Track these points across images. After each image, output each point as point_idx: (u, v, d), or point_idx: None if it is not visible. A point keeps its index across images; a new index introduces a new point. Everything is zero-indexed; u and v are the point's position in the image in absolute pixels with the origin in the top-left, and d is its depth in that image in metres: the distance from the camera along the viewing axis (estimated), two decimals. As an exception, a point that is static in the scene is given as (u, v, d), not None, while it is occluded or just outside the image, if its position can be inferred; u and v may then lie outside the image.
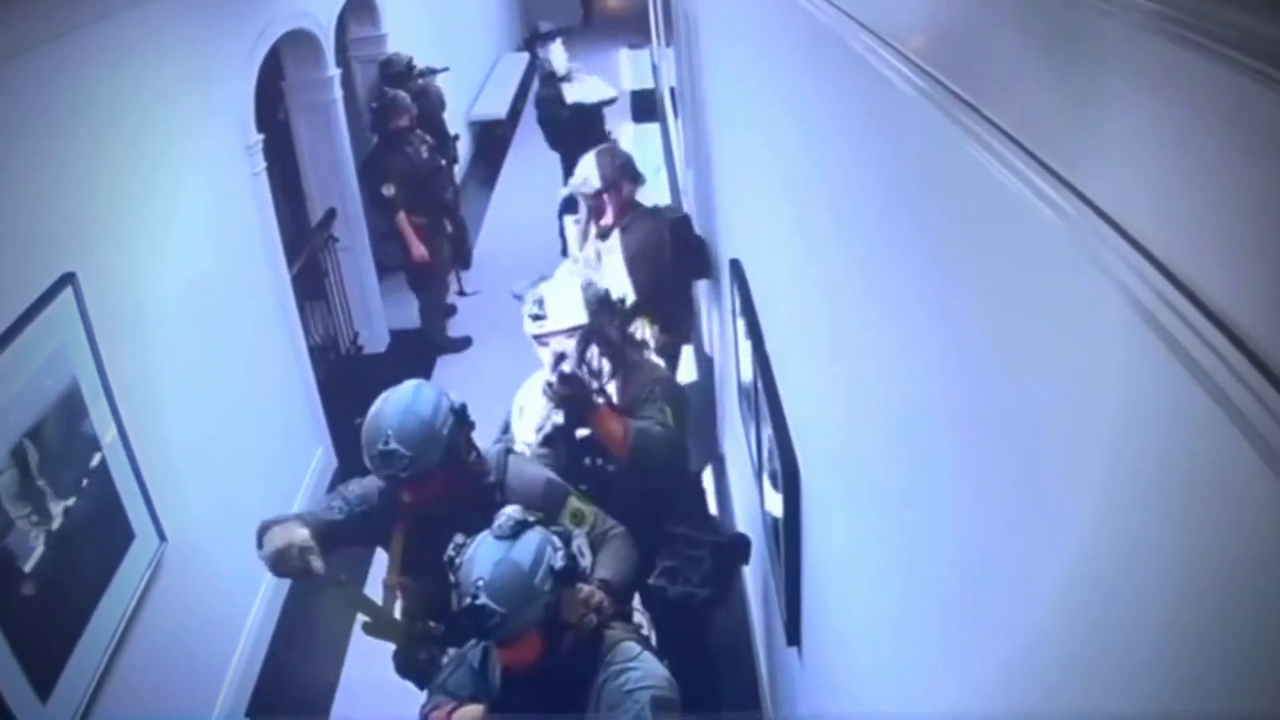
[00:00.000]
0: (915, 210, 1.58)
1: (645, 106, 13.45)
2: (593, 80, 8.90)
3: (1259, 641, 0.73)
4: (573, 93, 8.72)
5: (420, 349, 8.10)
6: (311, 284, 7.28)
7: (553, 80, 8.85)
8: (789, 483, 2.91)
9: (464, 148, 11.07)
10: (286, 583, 5.68)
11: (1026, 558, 1.22)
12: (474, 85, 13.32)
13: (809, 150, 2.51)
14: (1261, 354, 0.70)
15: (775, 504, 3.16)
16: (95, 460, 3.91)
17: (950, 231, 1.40)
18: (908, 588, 1.82)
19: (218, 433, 5.04)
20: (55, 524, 3.62)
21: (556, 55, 8.98)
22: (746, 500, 4.61)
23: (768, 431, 3.23)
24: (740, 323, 3.87)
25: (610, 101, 8.88)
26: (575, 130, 8.69)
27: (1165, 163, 0.83)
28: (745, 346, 3.77)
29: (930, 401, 1.59)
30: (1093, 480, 1.02)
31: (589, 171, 5.20)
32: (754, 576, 4.88)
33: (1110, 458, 0.97)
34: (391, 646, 3.61)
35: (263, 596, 5.39)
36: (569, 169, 8.95)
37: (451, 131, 9.26)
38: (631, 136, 12.74)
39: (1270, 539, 0.69)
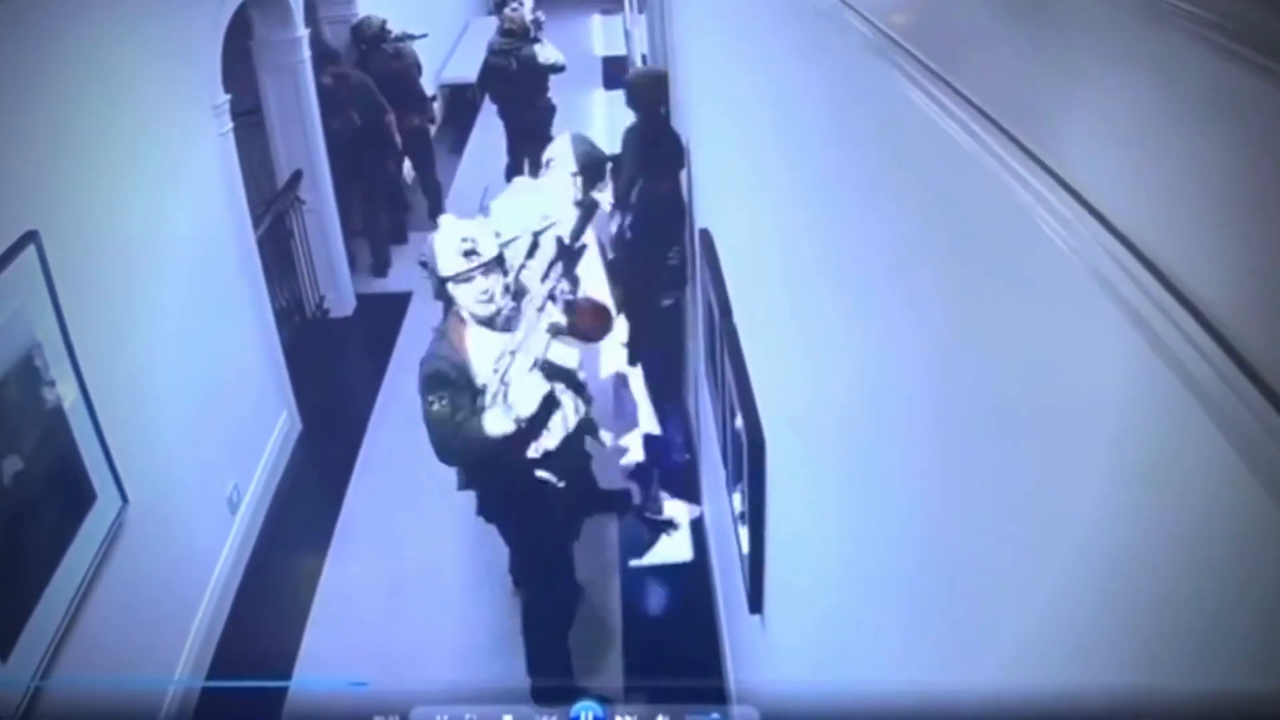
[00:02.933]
0: (884, 186, 1.58)
1: (617, 73, 13.39)
2: (547, 45, 9.08)
3: (1238, 652, 0.74)
4: (525, 50, 8.94)
5: (387, 314, 8.06)
6: (277, 246, 7.23)
7: (510, 35, 9.01)
8: (754, 452, 2.93)
9: (435, 111, 11.06)
10: (250, 545, 5.68)
11: (987, 526, 1.23)
12: (444, 49, 13.20)
13: (779, 121, 2.51)
14: (1220, 326, 0.71)
15: (741, 473, 3.18)
16: (56, 421, 3.88)
17: (920, 209, 1.41)
18: (871, 557, 1.83)
19: (182, 395, 5.00)
20: (12, 484, 3.59)
21: (517, 12, 9.08)
22: (714, 473, 4.63)
23: (734, 401, 3.24)
24: (710, 294, 3.88)
25: (558, 69, 9.05)
26: (518, 87, 8.86)
27: (1141, 144, 0.84)
28: (714, 317, 3.78)
29: (893, 374, 1.60)
30: (1046, 447, 1.03)
31: (566, 152, 5.18)
32: (717, 545, 4.91)
33: (1063, 428, 0.98)
34: None
35: (225, 560, 5.37)
36: (509, 126, 9.12)
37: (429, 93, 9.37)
38: (603, 103, 12.69)
39: (1242, 533, 0.70)
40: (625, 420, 6.31)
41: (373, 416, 6.83)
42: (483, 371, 4.05)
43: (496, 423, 3.98)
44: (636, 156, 5.28)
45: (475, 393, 4.05)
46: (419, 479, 5.62)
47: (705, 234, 4.16)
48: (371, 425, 6.76)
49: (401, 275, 8.61)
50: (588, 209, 4.73)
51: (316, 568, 5.58)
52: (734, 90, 3.29)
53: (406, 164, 9.44)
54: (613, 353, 6.54)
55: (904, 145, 1.43)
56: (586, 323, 4.47)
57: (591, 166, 5.11)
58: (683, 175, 5.16)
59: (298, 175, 7.60)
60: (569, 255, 4.46)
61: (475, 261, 3.96)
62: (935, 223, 1.33)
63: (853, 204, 1.80)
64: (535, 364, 4.06)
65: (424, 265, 4.09)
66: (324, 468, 6.43)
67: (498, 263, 4.02)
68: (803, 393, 2.40)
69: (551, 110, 9.39)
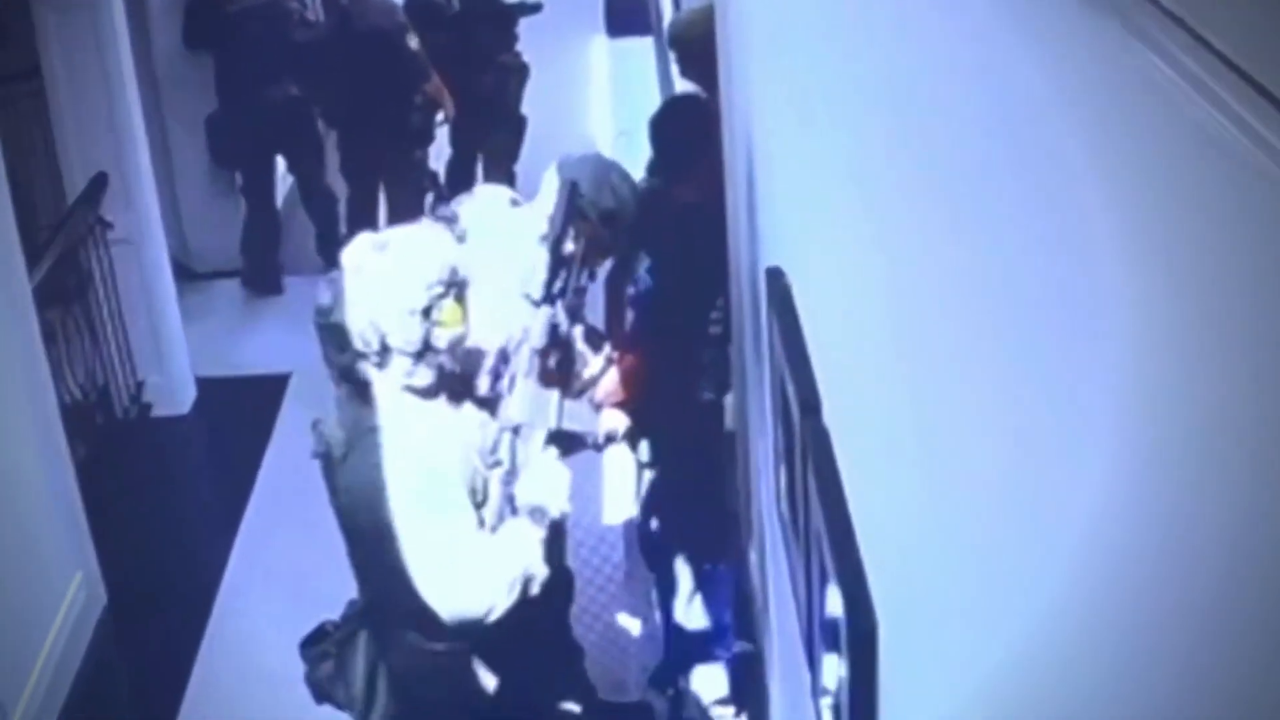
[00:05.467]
0: (1086, 194, 1.59)
1: (629, 11, 13.47)
2: None
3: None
4: None
5: (248, 410, 8.07)
6: (68, 300, 7.25)
7: None
8: (859, 643, 2.90)
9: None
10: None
11: None
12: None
13: (901, 99, 2.53)
14: None
15: (839, 677, 3.15)
16: None
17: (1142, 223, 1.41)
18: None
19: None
20: None
21: None
22: (792, 674, 4.61)
23: (825, 557, 3.22)
24: (783, 376, 3.87)
25: (529, 7, 9.37)
26: (464, 37, 9.06)
27: None
28: (791, 416, 3.77)
29: (1079, 515, 1.60)
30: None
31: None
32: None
33: None
34: None
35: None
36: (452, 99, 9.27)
37: None
38: (604, 60, 12.78)
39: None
40: (643, 590, 6.30)
41: (224, 583, 6.81)
42: (461, 474, 4.13)
43: (521, 543, 4.09)
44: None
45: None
46: (299, 689, 5.58)
47: (776, 276, 4.15)
48: (222, 597, 6.74)
49: (275, 346, 8.64)
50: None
51: None
52: (824, 50, 3.33)
53: (281, 166, 9.57)
54: (619, 491, 6.57)
55: (1130, 129, 1.44)
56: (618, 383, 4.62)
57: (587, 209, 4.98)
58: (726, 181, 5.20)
59: (100, 183, 7.62)
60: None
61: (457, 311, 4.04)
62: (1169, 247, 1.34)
63: (1020, 221, 1.81)
64: (549, 438, 4.24)
65: (324, 327, 4.11)
66: (143, 668, 6.44)
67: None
68: (939, 540, 2.39)
69: (520, 73, 9.47)
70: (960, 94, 2.11)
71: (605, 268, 5.42)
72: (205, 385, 8.39)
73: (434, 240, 4.19)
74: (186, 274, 8.86)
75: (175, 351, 8.22)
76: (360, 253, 4.09)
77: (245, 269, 9.40)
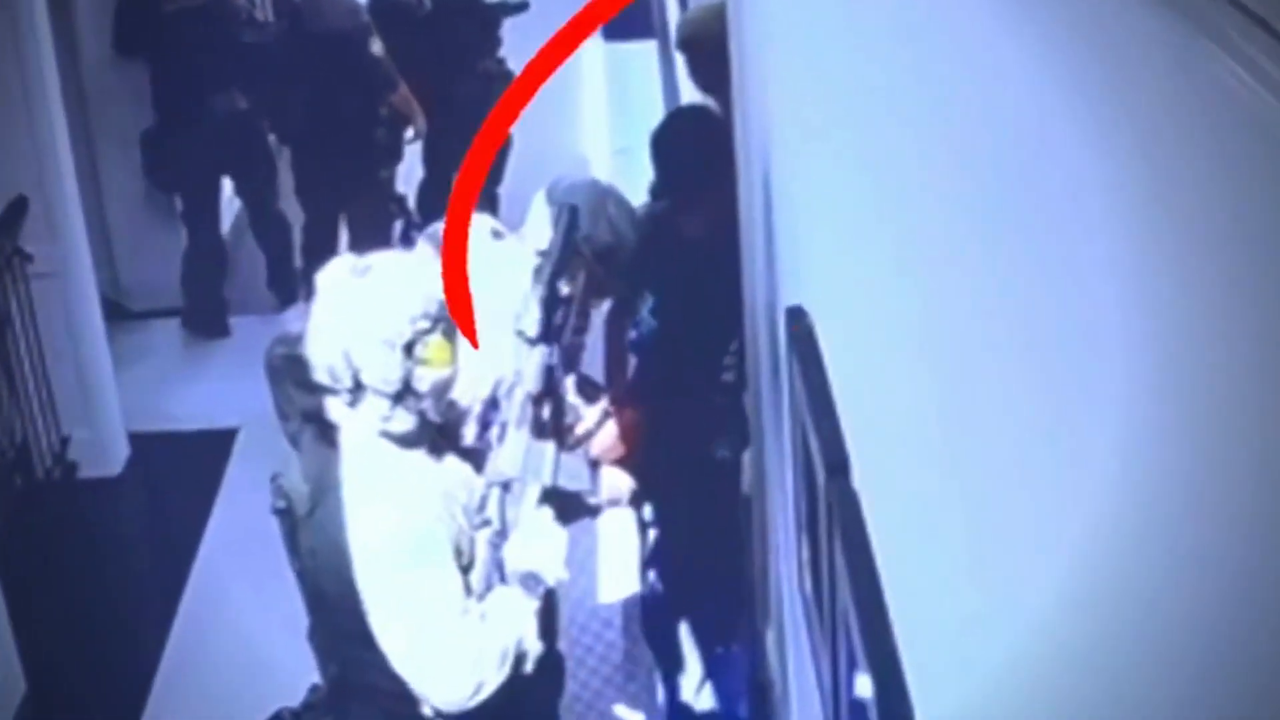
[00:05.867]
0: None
1: (629, 12, 13.44)
2: None
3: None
4: None
5: (189, 471, 8.04)
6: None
7: None
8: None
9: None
10: None
11: None
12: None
13: (944, 107, 2.53)
14: None
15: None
16: None
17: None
18: None
19: None
20: None
21: None
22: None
23: (854, 641, 3.21)
24: (806, 431, 3.87)
25: (513, 6, 9.49)
26: (437, 41, 9.07)
27: None
28: (815, 477, 3.76)
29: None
30: None
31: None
32: None
33: None
34: None
35: None
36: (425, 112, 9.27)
37: None
38: (600, 63, 12.80)
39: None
40: (643, 677, 6.29)
41: (161, 668, 6.78)
42: (446, 532, 4.15)
43: (512, 613, 4.14)
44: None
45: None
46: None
47: (798, 316, 4.15)
48: (159, 686, 6.73)
49: (220, 396, 8.61)
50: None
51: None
52: (852, 54, 3.34)
53: (228, 189, 9.55)
54: (617, 563, 6.55)
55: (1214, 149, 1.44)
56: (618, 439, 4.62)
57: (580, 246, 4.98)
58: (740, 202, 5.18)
59: (19, 208, 7.61)
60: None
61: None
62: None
63: (1076, 248, 1.81)
64: (542, 496, 4.26)
65: (287, 358, 4.11)
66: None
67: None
68: (983, 619, 2.39)
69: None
70: (1009, 105, 2.11)
71: (604, 308, 5.41)
72: (140, 442, 8.37)
73: (423, 267, 4.19)
74: (119, 313, 8.90)
75: (105, 403, 8.20)
76: (337, 275, 4.08)
77: (186, 307, 9.39)
